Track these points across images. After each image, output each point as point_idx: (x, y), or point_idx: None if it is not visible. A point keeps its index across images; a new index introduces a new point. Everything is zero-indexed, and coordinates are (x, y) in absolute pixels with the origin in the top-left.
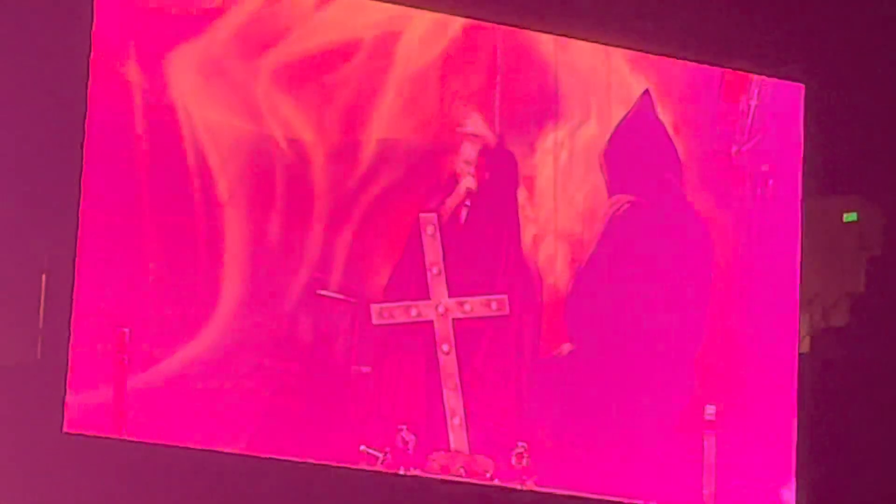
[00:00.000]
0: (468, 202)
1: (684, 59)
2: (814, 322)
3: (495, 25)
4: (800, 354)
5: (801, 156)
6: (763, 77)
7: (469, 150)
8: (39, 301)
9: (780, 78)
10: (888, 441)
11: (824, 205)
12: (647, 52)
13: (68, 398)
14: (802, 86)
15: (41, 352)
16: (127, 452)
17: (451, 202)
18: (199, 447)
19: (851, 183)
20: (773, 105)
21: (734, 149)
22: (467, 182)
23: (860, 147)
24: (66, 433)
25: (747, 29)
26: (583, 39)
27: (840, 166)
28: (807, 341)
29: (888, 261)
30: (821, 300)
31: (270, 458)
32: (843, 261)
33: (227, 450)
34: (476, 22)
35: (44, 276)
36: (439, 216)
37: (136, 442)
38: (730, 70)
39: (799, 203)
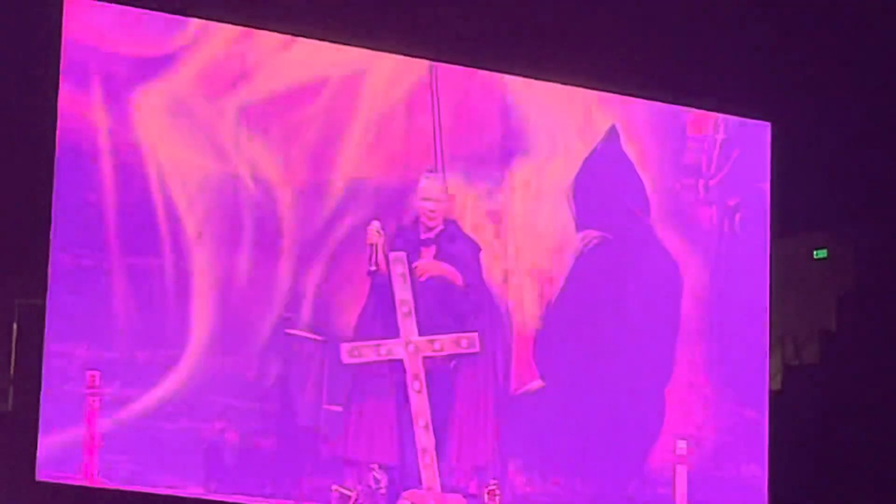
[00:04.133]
0: (435, 243)
1: (651, 99)
2: (785, 358)
3: (461, 67)
4: (771, 391)
5: (769, 189)
6: (729, 116)
7: (428, 188)
8: (11, 351)
9: (746, 116)
10: (859, 476)
11: (794, 242)
12: (613, 92)
13: (40, 444)
14: (769, 123)
15: (12, 402)
16: (99, 499)
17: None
18: (171, 490)
19: (821, 220)
20: (740, 140)
21: (701, 182)
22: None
23: (829, 184)
24: (39, 482)
25: (714, 69)
26: (548, 80)
27: (810, 203)
28: (778, 378)
29: (859, 297)
30: (792, 337)
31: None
32: (814, 297)
33: (198, 492)
34: (442, 64)
35: (15, 326)
36: (408, 255)
37: (108, 489)
38: (696, 109)
39: (767, 236)
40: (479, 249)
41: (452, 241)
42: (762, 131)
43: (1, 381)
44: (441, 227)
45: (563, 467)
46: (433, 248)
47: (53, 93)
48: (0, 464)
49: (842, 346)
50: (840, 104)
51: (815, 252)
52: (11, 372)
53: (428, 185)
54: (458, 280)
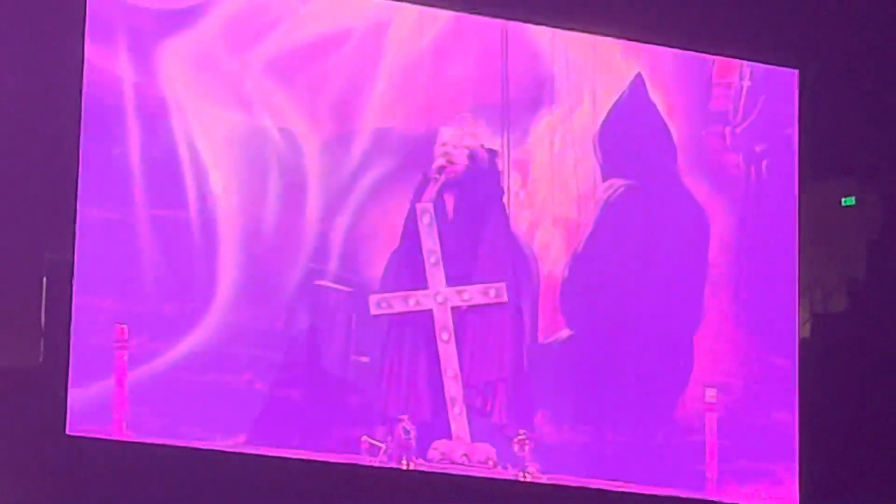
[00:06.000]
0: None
1: (677, 46)
2: (813, 307)
3: (486, 18)
4: (800, 339)
5: (797, 136)
6: (756, 63)
7: (445, 134)
8: (41, 304)
9: (773, 64)
10: (889, 424)
11: (822, 189)
12: (638, 41)
13: (70, 399)
14: (797, 71)
15: (43, 355)
16: (129, 453)
17: (431, 189)
18: (200, 443)
19: (849, 167)
20: (767, 87)
21: (728, 129)
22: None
23: (858, 131)
24: (69, 436)
25: (740, 16)
26: (573, 30)
27: (838, 151)
28: (807, 326)
29: (887, 245)
30: (820, 285)
31: (272, 457)
32: (842, 245)
33: (228, 444)
34: (466, 14)
35: (44, 279)
36: (435, 205)
37: (138, 443)
38: (722, 56)
39: (795, 183)
40: (503, 193)
41: (474, 187)
42: (789, 78)
43: (32, 335)
44: (461, 171)
45: (592, 416)
46: (455, 193)
47: (79, 46)
48: (31, 418)
49: (870, 294)
50: (868, 50)
51: (843, 199)
52: (42, 325)
53: (445, 133)
54: None
